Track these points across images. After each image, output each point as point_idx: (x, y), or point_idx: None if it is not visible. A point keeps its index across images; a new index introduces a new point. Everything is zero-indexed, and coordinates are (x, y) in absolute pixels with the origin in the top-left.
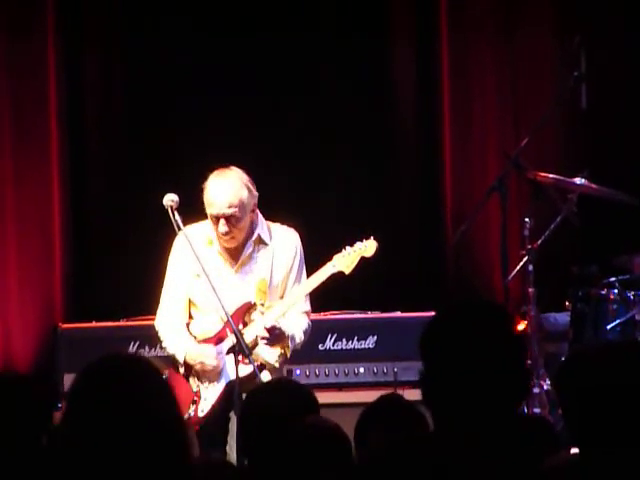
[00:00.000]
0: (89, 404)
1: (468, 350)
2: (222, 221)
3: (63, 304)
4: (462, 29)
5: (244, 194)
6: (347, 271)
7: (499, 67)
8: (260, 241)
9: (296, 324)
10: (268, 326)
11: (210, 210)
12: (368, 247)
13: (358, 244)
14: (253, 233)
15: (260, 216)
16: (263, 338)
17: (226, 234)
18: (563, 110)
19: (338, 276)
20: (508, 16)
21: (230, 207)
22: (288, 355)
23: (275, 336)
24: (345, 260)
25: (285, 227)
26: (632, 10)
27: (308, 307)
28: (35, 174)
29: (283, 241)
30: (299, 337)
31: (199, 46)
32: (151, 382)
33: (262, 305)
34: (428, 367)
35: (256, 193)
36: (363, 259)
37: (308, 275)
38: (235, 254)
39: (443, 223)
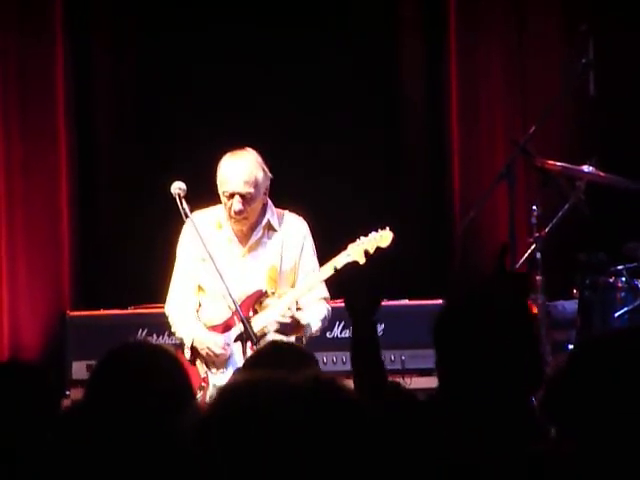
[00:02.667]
0: (108, 391)
1: (483, 338)
2: (237, 198)
3: (71, 292)
4: (471, 27)
5: (260, 174)
6: (361, 261)
7: (507, 54)
8: (270, 227)
9: (314, 312)
10: (286, 317)
11: (225, 188)
12: (383, 237)
13: (373, 234)
14: (264, 218)
15: (270, 202)
16: (277, 330)
17: (239, 213)
18: (571, 97)
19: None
20: (517, 14)
21: (246, 184)
22: (303, 342)
23: (289, 326)
24: (360, 249)
25: (294, 215)
26: None
27: (326, 293)
28: (43, 162)
29: (292, 229)
30: (316, 325)
31: (208, 41)
32: (169, 368)
33: (273, 294)
34: (441, 354)
35: (270, 175)
36: (378, 249)
37: (322, 263)
38: (244, 238)
39: (451, 211)
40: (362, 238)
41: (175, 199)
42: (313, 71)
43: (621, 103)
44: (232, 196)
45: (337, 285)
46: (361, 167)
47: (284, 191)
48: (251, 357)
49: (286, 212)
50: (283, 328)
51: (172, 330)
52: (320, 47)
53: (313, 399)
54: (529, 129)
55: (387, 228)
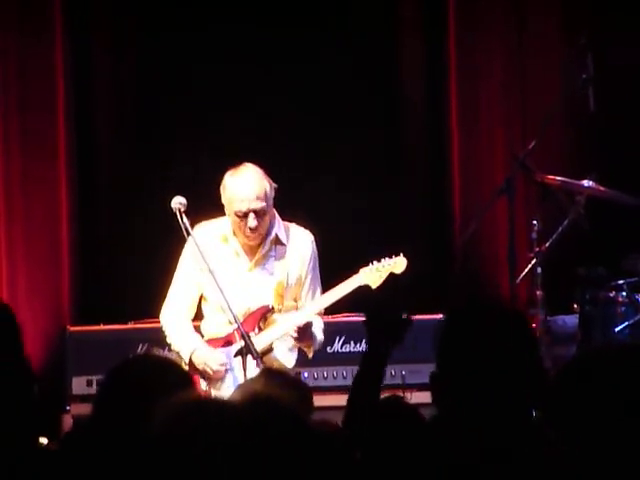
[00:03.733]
0: (116, 405)
1: (484, 352)
2: (252, 215)
3: (71, 307)
4: (470, 27)
5: (267, 186)
6: (374, 286)
7: (507, 66)
8: (277, 241)
9: (317, 325)
10: (302, 324)
11: (238, 207)
12: (397, 264)
13: (387, 260)
14: (272, 231)
15: (277, 215)
16: (295, 337)
17: (256, 229)
18: (571, 112)
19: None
20: (517, 15)
21: (258, 200)
22: (310, 355)
23: (307, 334)
24: (373, 275)
25: (301, 228)
26: None
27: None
28: (43, 175)
29: (299, 242)
30: (320, 337)
31: (208, 41)
32: (179, 382)
33: (279, 310)
34: (442, 367)
35: (275, 185)
36: (392, 274)
37: (333, 285)
38: (251, 252)
39: (451, 225)
40: (375, 263)
41: (175, 214)
42: (313, 71)
43: (621, 118)
44: (246, 215)
45: (359, 303)
46: (361, 167)
47: (283, 192)
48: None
49: (293, 225)
50: (300, 337)
51: (167, 341)
52: (320, 48)
53: (250, 418)
54: (529, 142)
55: (401, 254)
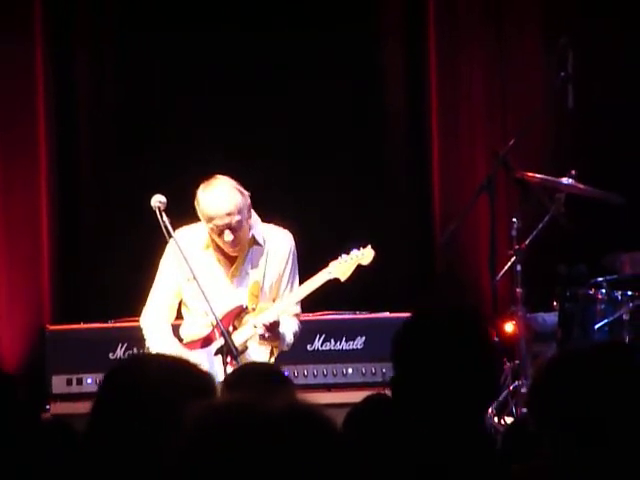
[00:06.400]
0: (115, 405)
1: (437, 354)
2: (227, 232)
3: (51, 306)
4: (450, 28)
5: (238, 199)
6: (343, 278)
7: (487, 65)
8: (254, 242)
9: (287, 326)
10: (270, 322)
11: (212, 223)
12: (365, 255)
13: (355, 252)
14: (248, 235)
15: (255, 217)
16: (262, 335)
17: (233, 242)
18: (550, 110)
19: (333, 282)
20: (496, 15)
21: (230, 215)
22: (275, 355)
23: (275, 333)
24: (341, 267)
25: (280, 229)
26: (620, 10)
27: (298, 309)
28: (23, 177)
29: (277, 243)
30: (289, 338)
31: (190, 44)
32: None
33: (253, 309)
34: (399, 370)
35: (247, 193)
36: (359, 267)
37: (303, 280)
38: (231, 258)
39: (431, 223)
40: (344, 256)
41: (155, 212)
42: (294, 76)
43: (600, 116)
44: (222, 231)
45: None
46: (339, 180)
47: (267, 205)
48: (229, 377)
49: (271, 226)
50: (268, 336)
51: (146, 344)
52: (301, 54)
53: (287, 427)
54: (509, 140)
55: (369, 246)
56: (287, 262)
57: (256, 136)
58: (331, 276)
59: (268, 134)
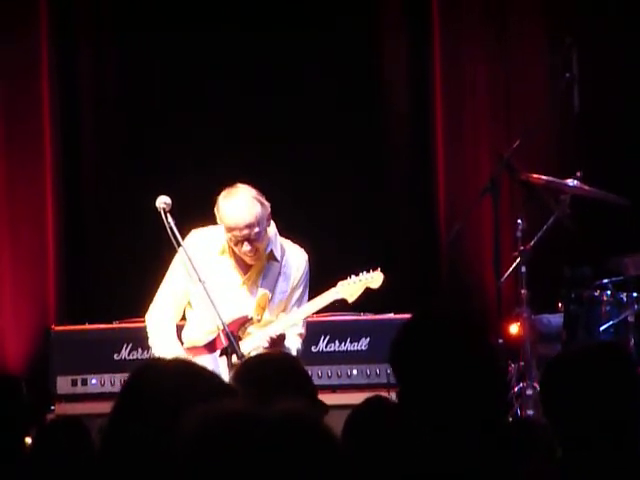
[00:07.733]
0: (133, 412)
1: (436, 357)
2: (245, 243)
3: (56, 306)
4: (454, 29)
5: (258, 209)
6: (350, 300)
7: (491, 67)
8: (272, 257)
9: (292, 341)
10: (277, 334)
11: (231, 233)
12: (374, 279)
13: (364, 274)
14: (267, 247)
15: (275, 230)
16: (267, 348)
17: (251, 252)
18: (555, 112)
19: (339, 302)
20: (500, 15)
21: (249, 227)
22: None
23: (280, 346)
24: (350, 288)
25: (297, 247)
26: (624, 11)
27: (303, 330)
28: (28, 175)
29: (293, 260)
30: (294, 353)
31: (192, 45)
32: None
33: (258, 321)
34: (397, 373)
35: (267, 204)
36: (368, 289)
37: (310, 297)
38: (246, 267)
39: (436, 224)
40: (353, 277)
41: (160, 213)
42: (297, 77)
43: (605, 117)
44: (240, 241)
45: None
46: (344, 180)
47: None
48: (238, 372)
49: (289, 242)
50: (274, 347)
51: (149, 343)
52: (303, 55)
53: (285, 435)
54: (514, 140)
55: (378, 269)
56: (299, 283)
57: (256, 136)
58: (338, 296)
59: (268, 134)
